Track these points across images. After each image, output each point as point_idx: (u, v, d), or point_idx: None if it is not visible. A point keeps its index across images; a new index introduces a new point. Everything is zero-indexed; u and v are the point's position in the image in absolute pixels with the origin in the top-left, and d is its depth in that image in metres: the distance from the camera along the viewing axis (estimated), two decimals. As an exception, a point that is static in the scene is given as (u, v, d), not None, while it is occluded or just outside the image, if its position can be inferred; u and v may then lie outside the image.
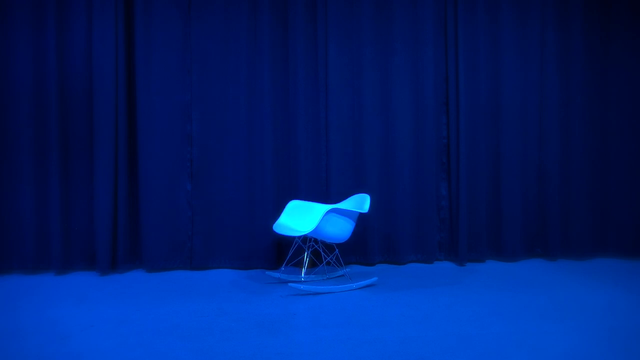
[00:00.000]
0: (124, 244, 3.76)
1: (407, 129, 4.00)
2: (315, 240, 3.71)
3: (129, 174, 3.83)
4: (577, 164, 4.16)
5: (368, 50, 3.96)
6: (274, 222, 3.54)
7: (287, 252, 3.83)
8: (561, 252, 4.15)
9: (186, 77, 3.87)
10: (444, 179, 4.10)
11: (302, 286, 3.17)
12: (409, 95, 4.01)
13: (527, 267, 3.85)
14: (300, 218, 3.60)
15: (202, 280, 3.55)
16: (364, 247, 3.97)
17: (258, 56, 3.88)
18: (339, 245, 3.86)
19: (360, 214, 3.42)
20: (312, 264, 3.87)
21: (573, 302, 2.99)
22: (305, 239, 3.66)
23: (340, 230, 3.28)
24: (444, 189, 4.10)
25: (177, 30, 3.85)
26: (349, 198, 3.66)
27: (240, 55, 3.88)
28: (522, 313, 2.78)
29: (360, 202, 3.50)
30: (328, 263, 3.83)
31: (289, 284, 3.18)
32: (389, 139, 4.01)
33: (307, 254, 3.33)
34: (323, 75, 3.92)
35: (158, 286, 3.38)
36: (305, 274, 3.57)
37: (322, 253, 3.42)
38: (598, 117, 4.23)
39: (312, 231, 3.16)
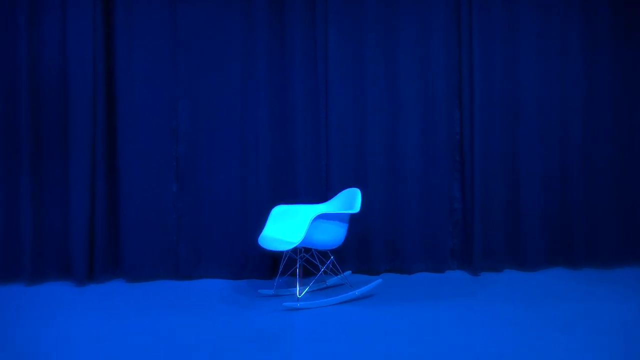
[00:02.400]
0: (102, 251, 3.73)
1: (415, 123, 3.97)
2: (307, 249, 3.69)
3: (107, 174, 3.79)
4: (603, 164, 4.11)
5: (371, 37, 3.92)
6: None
7: (281, 259, 3.80)
8: (586, 260, 4.09)
9: (172, 67, 3.83)
10: (457, 179, 4.06)
11: (298, 304, 3.14)
12: (418, 87, 3.97)
13: (549, 277, 3.82)
14: (287, 226, 3.56)
15: (189, 291, 3.52)
16: (367, 254, 3.93)
17: (253, 49, 3.84)
18: (336, 250, 3.84)
19: (356, 213, 3.39)
20: (308, 272, 3.84)
21: (598, 315, 2.95)
22: (295, 249, 3.64)
23: (332, 236, 3.24)
24: (457, 190, 4.06)
25: (163, 14, 3.81)
26: (337, 195, 3.62)
27: (233, 45, 3.84)
28: (541, 328, 2.75)
29: (351, 200, 3.44)
30: (325, 272, 3.81)
31: (284, 303, 3.15)
32: (395, 134, 3.98)
33: (299, 266, 3.30)
34: (323, 66, 3.88)
35: (140, 297, 3.35)
36: (300, 285, 3.54)
37: (317, 262, 3.39)
38: (626, 114, 4.17)
39: (300, 242, 3.13)
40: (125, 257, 3.76)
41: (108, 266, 3.79)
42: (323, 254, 3.84)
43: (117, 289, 3.55)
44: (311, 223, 3.13)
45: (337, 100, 3.91)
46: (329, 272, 3.77)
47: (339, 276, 3.68)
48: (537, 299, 3.27)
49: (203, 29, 3.84)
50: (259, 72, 3.85)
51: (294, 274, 3.82)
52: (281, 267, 3.49)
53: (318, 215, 3.16)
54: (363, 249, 3.94)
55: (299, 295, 3.29)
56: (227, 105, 3.86)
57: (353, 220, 3.90)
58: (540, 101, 4.07)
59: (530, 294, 3.38)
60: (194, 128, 3.85)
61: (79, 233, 3.66)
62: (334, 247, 3.31)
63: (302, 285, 3.57)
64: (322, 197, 3.90)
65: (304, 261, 3.79)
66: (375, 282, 3.41)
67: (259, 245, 3.37)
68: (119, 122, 3.78)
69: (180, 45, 3.83)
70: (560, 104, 4.11)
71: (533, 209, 4.04)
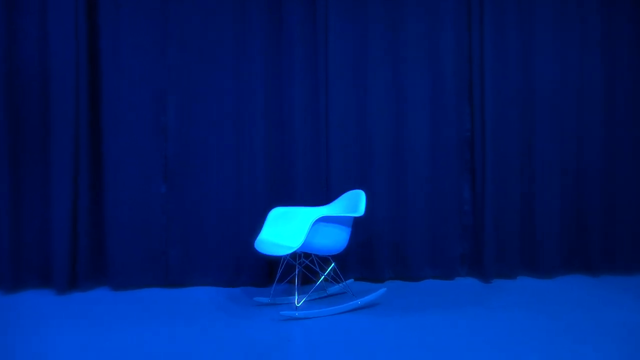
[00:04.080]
0: (85, 257, 3.69)
1: (422, 120, 3.95)
2: (307, 254, 3.67)
3: (91, 175, 3.76)
4: (622, 164, 4.11)
5: (375, 27, 3.90)
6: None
7: (279, 265, 3.77)
8: (604, 266, 4.09)
9: (161, 59, 3.80)
10: (467, 180, 4.04)
11: (296, 313, 3.12)
12: (424, 81, 3.95)
13: (565, 284, 3.82)
14: (285, 229, 3.53)
15: (180, 299, 3.50)
16: (371, 260, 3.90)
17: (249, 43, 3.82)
18: (338, 256, 3.81)
19: (360, 216, 3.36)
20: (308, 280, 3.81)
21: (616, 324, 2.94)
22: (294, 254, 3.60)
23: (334, 240, 3.21)
24: (467, 191, 4.04)
25: (152, 6, 3.77)
26: (340, 197, 3.60)
27: (228, 39, 3.81)
28: (557, 338, 2.73)
29: (355, 202, 3.42)
30: (325, 279, 3.77)
31: (281, 312, 3.14)
32: (400, 132, 3.96)
33: (298, 272, 3.26)
34: (323, 61, 3.85)
35: (126, 307, 3.32)
36: (298, 294, 3.50)
37: (317, 269, 3.35)
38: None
39: (299, 247, 3.09)
40: (111, 263, 3.72)
41: (92, 273, 3.75)
42: (324, 260, 3.81)
43: (102, 298, 3.52)
44: (312, 226, 3.09)
45: (338, 96, 3.88)
46: (329, 279, 3.73)
47: (340, 284, 3.64)
48: (552, 308, 3.26)
49: (195, 23, 3.81)
50: (255, 67, 3.82)
51: (291, 281, 3.78)
52: (279, 273, 3.46)
53: (319, 218, 3.12)
54: (366, 255, 3.91)
55: (298, 304, 3.26)
56: (221, 102, 3.83)
57: (356, 224, 3.88)
58: (556, 96, 4.05)
59: (546, 302, 3.37)
60: (185, 126, 3.82)
61: (61, 237, 3.62)
62: (335, 253, 3.28)
63: (301, 293, 3.55)
64: (322, 199, 3.87)
65: (304, 267, 3.76)
66: (380, 291, 3.38)
67: (255, 249, 3.33)
68: (103, 119, 3.74)
69: (171, 39, 3.79)
70: (578, 99, 4.09)
71: (548, 211, 4.02)
